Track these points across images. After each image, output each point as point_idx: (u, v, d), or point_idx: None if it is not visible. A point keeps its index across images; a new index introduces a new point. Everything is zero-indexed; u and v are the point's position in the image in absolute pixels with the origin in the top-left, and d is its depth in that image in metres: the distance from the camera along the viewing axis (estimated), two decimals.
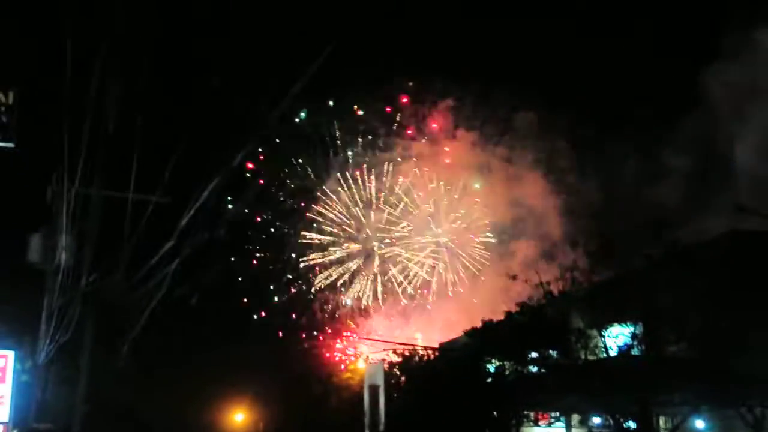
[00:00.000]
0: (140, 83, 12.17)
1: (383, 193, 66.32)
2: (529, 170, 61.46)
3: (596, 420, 27.83)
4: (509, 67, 59.58)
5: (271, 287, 65.56)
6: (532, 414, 31.93)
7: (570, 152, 60.20)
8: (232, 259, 62.12)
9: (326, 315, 65.49)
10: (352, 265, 66.39)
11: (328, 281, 66.24)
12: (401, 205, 66.13)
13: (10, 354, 25.79)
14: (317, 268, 66.36)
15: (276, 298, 65.52)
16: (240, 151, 11.55)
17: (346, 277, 66.38)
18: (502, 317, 29.41)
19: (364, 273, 66.30)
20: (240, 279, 63.84)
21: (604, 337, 24.83)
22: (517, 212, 61.44)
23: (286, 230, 66.81)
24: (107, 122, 13.26)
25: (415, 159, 65.25)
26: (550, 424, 33.15)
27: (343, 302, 65.80)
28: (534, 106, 59.69)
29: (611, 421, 25.27)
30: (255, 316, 62.99)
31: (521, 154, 62.02)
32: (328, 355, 57.92)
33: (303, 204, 67.19)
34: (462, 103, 63.76)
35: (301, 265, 66.30)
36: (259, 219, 66.73)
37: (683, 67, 51.60)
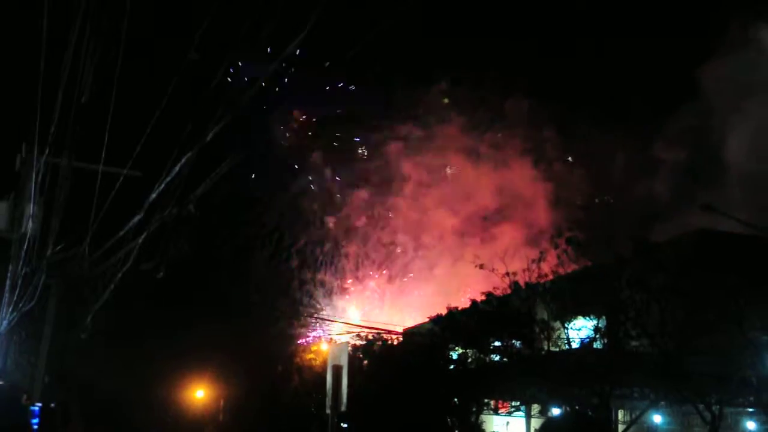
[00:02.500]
0: (116, 53, 12.03)
1: (368, 172, 66.13)
2: (518, 157, 61.59)
3: (556, 411, 28.03)
4: (501, 53, 59.56)
5: (246, 264, 65.21)
6: (492, 402, 32.15)
7: (559, 141, 60.41)
8: (202, 235, 61.55)
9: (303, 294, 65.19)
10: (331, 243, 66.14)
11: (307, 258, 65.93)
12: (385, 185, 66.02)
13: None
14: (296, 245, 65.99)
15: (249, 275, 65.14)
16: (214, 126, 11.43)
17: (324, 254, 66.10)
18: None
19: (343, 251, 66.06)
20: (210, 255, 63.33)
21: (567, 329, 25.03)
22: (503, 198, 61.56)
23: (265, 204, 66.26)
24: (81, 91, 13.10)
25: (403, 140, 65.10)
26: (510, 413, 33.40)
27: (320, 281, 65.51)
28: (526, 93, 59.89)
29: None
30: (222, 294, 62.71)
31: (511, 141, 62.11)
32: (294, 334, 57.68)
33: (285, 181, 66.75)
34: (454, 87, 63.73)
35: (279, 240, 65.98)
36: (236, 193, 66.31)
37: (678, 61, 51.90)
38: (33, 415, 19.39)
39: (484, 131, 63.70)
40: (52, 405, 20.50)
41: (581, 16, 62.23)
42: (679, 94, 50.83)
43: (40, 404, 20.36)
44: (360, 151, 67.10)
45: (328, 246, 66.04)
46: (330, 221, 66.21)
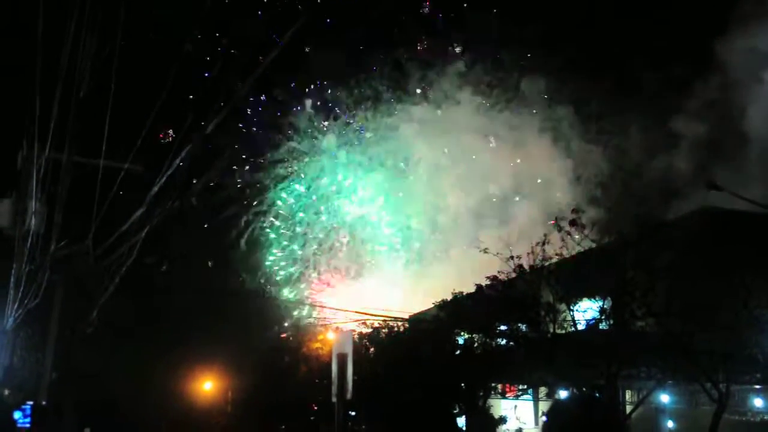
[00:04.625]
0: (113, 47, 12.01)
1: (383, 155, 65.64)
2: (535, 136, 61.08)
3: (563, 393, 28.04)
4: (518, 30, 59.09)
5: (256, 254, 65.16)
6: (499, 386, 32.17)
7: (577, 119, 59.75)
8: (206, 225, 61.65)
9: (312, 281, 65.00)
10: (344, 228, 65.88)
11: (318, 244, 65.71)
12: (401, 168, 65.63)
13: None
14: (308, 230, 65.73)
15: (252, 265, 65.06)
16: (214, 118, 11.43)
17: (336, 240, 65.85)
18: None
19: (356, 235, 65.75)
20: (217, 246, 63.32)
21: (572, 311, 24.99)
22: (521, 178, 61.10)
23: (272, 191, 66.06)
24: (79, 87, 13.09)
25: (418, 123, 64.57)
26: (517, 397, 33.44)
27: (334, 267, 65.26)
28: (542, 71, 59.43)
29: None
30: (228, 285, 62.63)
31: (528, 120, 61.51)
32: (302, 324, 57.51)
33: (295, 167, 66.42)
34: (470, 67, 63.24)
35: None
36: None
37: (696, 32, 51.34)
38: (25, 413, 19.48)
39: (500, 111, 63.24)
40: (44, 403, 20.59)
41: None
42: (697, 67, 50.27)
43: (31, 402, 20.46)
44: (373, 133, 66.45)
45: (342, 231, 65.82)
46: (344, 205, 65.86)
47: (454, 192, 63.00)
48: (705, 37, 48.68)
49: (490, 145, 63.21)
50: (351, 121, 65.99)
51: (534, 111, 61.50)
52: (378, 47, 61.37)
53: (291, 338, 52.60)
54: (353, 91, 64.62)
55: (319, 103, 65.76)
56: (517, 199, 61.39)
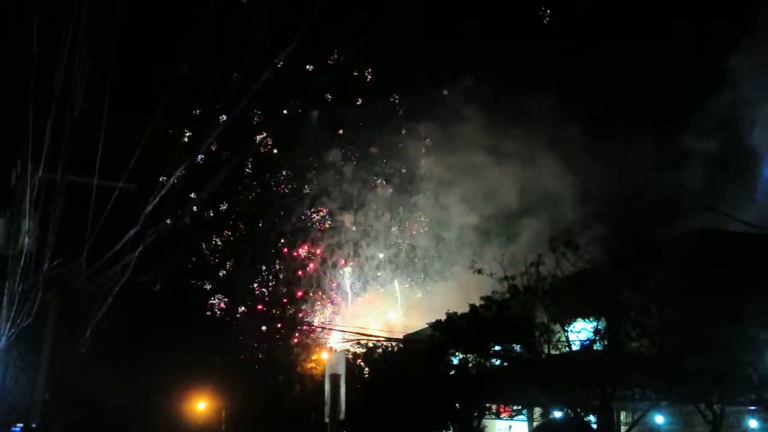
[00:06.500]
0: (107, 66, 12.04)
1: (388, 172, 65.48)
2: (542, 154, 60.92)
3: (558, 414, 27.95)
4: (524, 50, 59.18)
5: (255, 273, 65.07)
6: (494, 407, 32.05)
7: (585, 137, 59.55)
8: (202, 244, 61.60)
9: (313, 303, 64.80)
10: (346, 245, 65.67)
11: (327, 261, 65.43)
12: (406, 184, 65.48)
13: None
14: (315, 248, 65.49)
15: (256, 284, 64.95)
16: (208, 137, 11.45)
17: (336, 256, 65.64)
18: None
19: (358, 251, 65.52)
20: (205, 264, 63.20)
21: (567, 331, 24.95)
22: (528, 196, 60.93)
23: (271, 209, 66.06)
24: (73, 106, 13.10)
25: (424, 139, 64.48)
26: (511, 417, 33.28)
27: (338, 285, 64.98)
28: (550, 89, 59.39)
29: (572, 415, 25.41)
30: (218, 305, 62.40)
31: (533, 137, 61.36)
32: (293, 343, 57.23)
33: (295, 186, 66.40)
34: (478, 84, 63.23)
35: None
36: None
37: (706, 50, 51.33)
38: None
39: (507, 129, 63.11)
40: (33, 425, 20.48)
41: (605, 8, 61.58)
42: (708, 84, 50.18)
43: (21, 425, 20.37)
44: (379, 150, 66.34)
45: (347, 249, 65.59)
46: (348, 222, 65.69)
47: (459, 209, 62.95)
48: (715, 55, 48.73)
49: (496, 162, 63.15)
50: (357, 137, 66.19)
51: (541, 128, 61.33)
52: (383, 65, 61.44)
53: (285, 357, 52.46)
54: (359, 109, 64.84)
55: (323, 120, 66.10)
56: (524, 217, 61.29)
